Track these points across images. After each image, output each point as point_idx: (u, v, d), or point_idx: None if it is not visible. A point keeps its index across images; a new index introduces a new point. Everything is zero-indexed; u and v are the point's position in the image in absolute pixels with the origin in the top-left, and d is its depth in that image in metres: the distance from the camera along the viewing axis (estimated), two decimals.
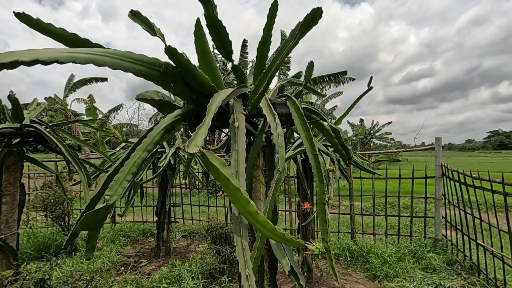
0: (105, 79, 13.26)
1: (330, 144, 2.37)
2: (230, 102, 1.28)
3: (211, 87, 1.21)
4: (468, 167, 4.28)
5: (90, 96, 14.42)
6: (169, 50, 1.02)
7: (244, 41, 11.13)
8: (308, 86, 1.56)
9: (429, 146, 4.84)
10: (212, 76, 1.39)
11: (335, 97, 18.40)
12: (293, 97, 1.40)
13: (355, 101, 2.75)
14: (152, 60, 1.03)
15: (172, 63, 1.09)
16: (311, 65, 1.36)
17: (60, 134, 2.61)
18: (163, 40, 1.03)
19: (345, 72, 11.06)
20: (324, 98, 18.65)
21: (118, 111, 14.65)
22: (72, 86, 13.06)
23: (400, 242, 4.70)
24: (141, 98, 1.28)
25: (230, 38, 1.24)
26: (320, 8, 0.98)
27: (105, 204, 0.93)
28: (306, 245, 1.49)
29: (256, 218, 0.84)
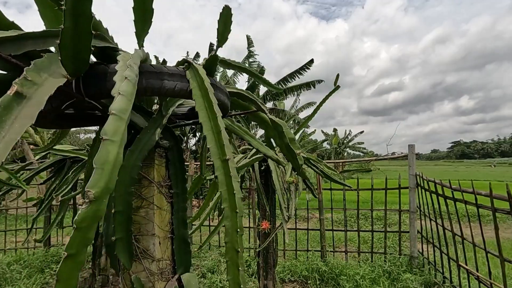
0: None
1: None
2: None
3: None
4: (436, 175, 3.99)
5: None
6: None
7: (211, 45, 10.57)
8: (226, 61, 1.02)
9: (402, 155, 4.51)
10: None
11: (308, 107, 18.32)
12: (197, 66, 0.84)
13: (322, 101, 2.39)
14: None
15: None
16: (226, 11, 0.82)
17: None
18: None
19: (312, 61, 10.85)
20: (298, 107, 18.53)
21: None
22: None
23: (374, 260, 4.26)
24: None
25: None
26: None
27: None
28: None
29: None
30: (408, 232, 4.14)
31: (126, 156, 0.85)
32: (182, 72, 0.82)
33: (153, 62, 0.93)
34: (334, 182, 3.12)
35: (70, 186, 3.31)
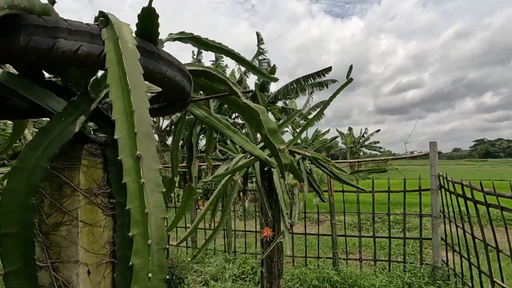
0: None
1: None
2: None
3: None
4: (458, 175, 3.60)
5: None
6: None
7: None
8: (200, 39, 0.76)
9: (423, 153, 4.09)
10: None
11: (321, 105, 17.85)
12: (119, 21, 0.58)
13: (335, 92, 2.17)
14: None
15: None
16: None
17: None
18: None
19: (329, 68, 10.46)
20: (311, 106, 18.11)
21: None
22: None
23: (391, 270, 3.87)
24: None
25: None
26: None
27: None
28: None
29: None
30: (430, 239, 3.73)
31: (23, 154, 0.60)
32: (94, 30, 0.56)
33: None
34: (346, 184, 2.81)
35: None
